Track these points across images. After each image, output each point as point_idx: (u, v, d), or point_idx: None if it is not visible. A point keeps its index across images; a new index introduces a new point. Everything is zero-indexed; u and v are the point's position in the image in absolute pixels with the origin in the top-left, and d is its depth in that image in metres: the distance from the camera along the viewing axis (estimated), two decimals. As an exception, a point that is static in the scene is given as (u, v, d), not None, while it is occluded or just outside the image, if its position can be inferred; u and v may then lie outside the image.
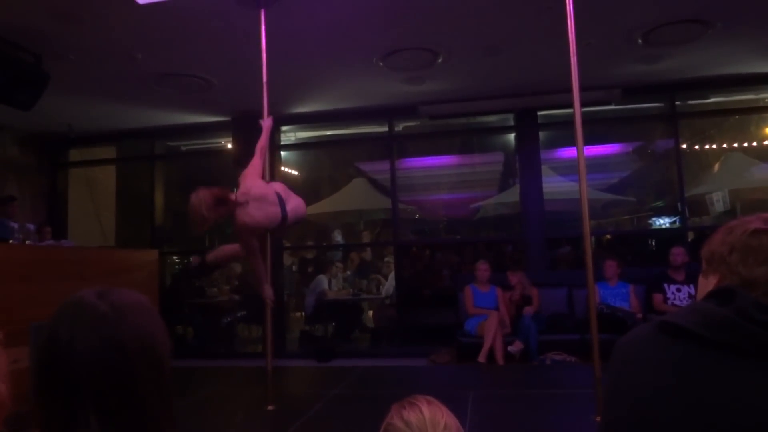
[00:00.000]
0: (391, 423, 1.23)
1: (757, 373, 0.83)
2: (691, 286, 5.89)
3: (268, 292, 4.18)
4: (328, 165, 10.47)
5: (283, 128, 7.89)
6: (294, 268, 9.33)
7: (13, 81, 5.01)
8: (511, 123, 7.54)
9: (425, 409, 1.23)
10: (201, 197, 3.63)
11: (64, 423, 0.83)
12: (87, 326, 0.85)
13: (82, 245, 6.99)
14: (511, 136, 7.86)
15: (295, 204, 4.06)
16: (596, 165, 8.47)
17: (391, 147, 7.63)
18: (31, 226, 6.01)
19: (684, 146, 7.57)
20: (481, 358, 5.74)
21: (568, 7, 3.60)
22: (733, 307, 0.87)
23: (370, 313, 8.82)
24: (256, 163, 4.10)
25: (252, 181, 3.96)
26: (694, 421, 0.83)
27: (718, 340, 0.86)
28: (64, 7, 4.43)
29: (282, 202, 3.95)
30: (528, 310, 5.99)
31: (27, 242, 5.63)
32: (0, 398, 0.93)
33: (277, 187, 4.10)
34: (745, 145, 8.28)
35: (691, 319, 0.90)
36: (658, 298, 6.00)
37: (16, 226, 5.57)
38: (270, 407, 4.05)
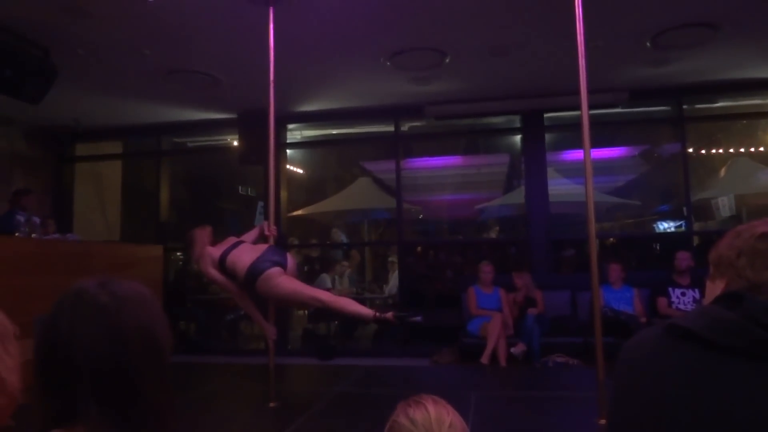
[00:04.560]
0: (397, 421, 1.23)
1: (765, 377, 0.82)
2: (696, 290, 5.87)
3: (269, 329, 4.26)
4: (333, 164, 10.49)
5: (289, 126, 7.90)
6: (305, 268, 9.30)
7: (21, 74, 5.03)
8: (518, 124, 7.52)
9: (431, 407, 1.23)
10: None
11: (64, 412, 0.83)
12: (87, 316, 0.86)
13: (87, 239, 7.01)
14: (517, 138, 7.84)
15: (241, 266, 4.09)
16: (602, 168, 8.45)
17: (397, 147, 7.63)
18: (37, 220, 6.03)
19: (690, 150, 7.54)
20: (484, 359, 5.73)
21: (577, 9, 3.60)
22: (742, 311, 0.87)
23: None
24: (248, 236, 4.42)
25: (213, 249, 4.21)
26: (702, 425, 0.83)
27: (726, 344, 0.85)
28: (73, 1, 4.44)
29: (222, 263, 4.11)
30: (532, 311, 5.98)
31: (33, 236, 5.65)
32: (12, 392, 0.93)
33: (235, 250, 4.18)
34: (752, 150, 8.25)
35: (699, 322, 0.90)
36: (662, 302, 5.98)
37: (22, 219, 5.59)
38: (272, 404, 4.06)
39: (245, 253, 4.07)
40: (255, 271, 3.92)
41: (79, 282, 0.91)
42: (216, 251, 4.14)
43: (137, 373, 0.86)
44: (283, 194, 7.83)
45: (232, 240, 4.26)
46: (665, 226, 8.60)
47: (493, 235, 9.20)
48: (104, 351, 0.84)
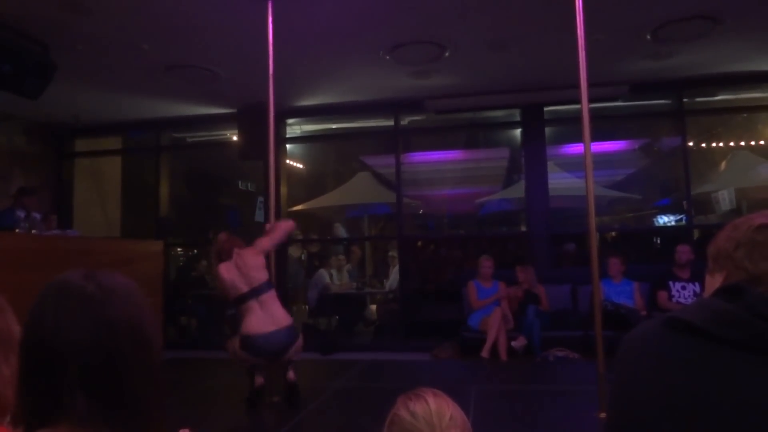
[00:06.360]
0: (398, 414, 1.24)
1: (765, 369, 0.82)
2: (696, 284, 5.88)
3: None
4: (333, 158, 10.48)
5: (289, 121, 7.89)
6: (303, 257, 9.29)
7: (20, 70, 5.01)
8: (518, 118, 7.51)
9: (431, 401, 1.23)
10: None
11: (49, 408, 0.80)
12: (73, 306, 0.83)
13: (87, 235, 7.01)
14: (517, 132, 7.83)
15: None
16: (602, 162, 8.44)
17: (397, 141, 7.62)
18: (37, 215, 6.02)
19: (691, 144, 7.54)
20: (485, 353, 5.75)
21: (577, 2, 3.59)
22: (742, 303, 0.86)
23: (374, 307, 8.83)
24: (264, 244, 4.24)
25: (249, 253, 4.11)
26: (702, 418, 0.83)
27: (726, 336, 0.85)
28: (71, -4, 4.43)
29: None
30: (541, 304, 6.01)
31: (33, 231, 5.65)
32: (4, 405, 0.90)
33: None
34: (752, 143, 8.24)
35: (699, 315, 0.90)
36: (662, 295, 5.99)
37: (22, 215, 5.58)
38: (274, 399, 4.07)
39: (270, 315, 3.97)
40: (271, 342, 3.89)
41: (64, 274, 0.88)
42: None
43: (125, 367, 0.83)
44: (283, 189, 7.83)
45: (261, 259, 4.13)
46: (665, 219, 8.61)
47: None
48: (91, 342, 0.81)
